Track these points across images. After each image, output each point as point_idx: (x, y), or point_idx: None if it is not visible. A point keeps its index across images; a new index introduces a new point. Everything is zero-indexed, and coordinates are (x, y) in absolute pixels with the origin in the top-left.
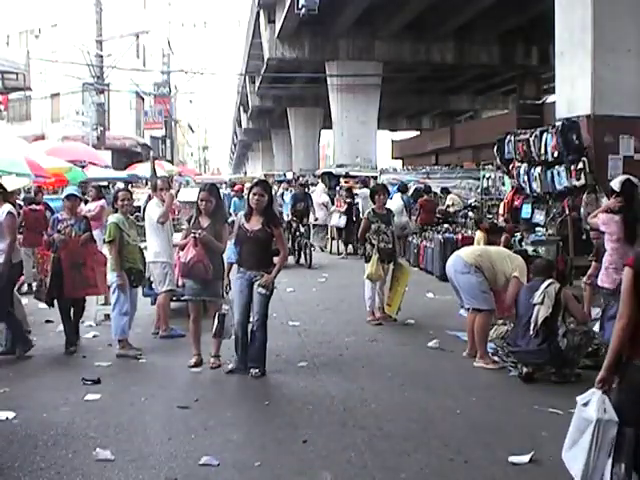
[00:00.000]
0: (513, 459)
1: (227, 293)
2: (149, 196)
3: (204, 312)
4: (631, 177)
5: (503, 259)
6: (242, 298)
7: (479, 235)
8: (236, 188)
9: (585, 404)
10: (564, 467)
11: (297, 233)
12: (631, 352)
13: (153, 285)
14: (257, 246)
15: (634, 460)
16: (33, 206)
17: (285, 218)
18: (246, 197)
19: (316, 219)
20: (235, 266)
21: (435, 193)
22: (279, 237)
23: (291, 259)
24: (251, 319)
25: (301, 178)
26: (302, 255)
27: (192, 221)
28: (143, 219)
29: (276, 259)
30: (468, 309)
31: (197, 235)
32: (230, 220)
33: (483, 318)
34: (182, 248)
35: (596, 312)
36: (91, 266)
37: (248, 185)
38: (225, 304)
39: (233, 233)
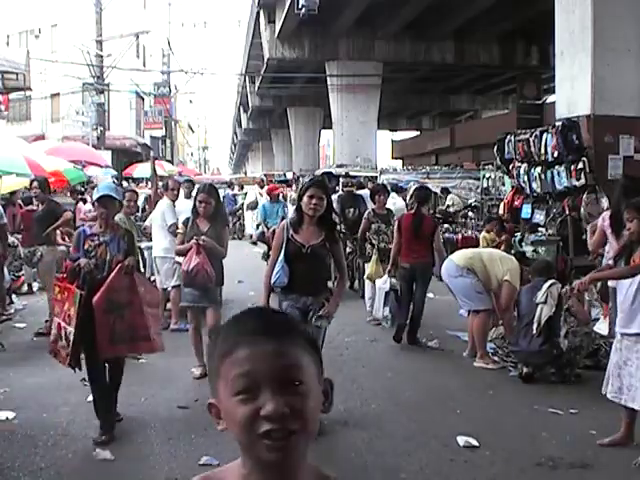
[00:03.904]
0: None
1: None
2: (148, 196)
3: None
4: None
5: (494, 261)
6: None
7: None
8: (269, 188)
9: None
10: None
11: (347, 249)
12: (400, 258)
13: (157, 280)
14: (315, 265)
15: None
16: (30, 207)
17: None
18: (296, 201)
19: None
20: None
21: (435, 193)
22: (339, 254)
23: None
24: None
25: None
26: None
27: (190, 224)
28: (141, 219)
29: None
30: (468, 311)
31: (200, 242)
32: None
33: (481, 318)
34: (182, 254)
35: (596, 312)
36: (139, 307)
37: (253, 186)
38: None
39: (276, 245)
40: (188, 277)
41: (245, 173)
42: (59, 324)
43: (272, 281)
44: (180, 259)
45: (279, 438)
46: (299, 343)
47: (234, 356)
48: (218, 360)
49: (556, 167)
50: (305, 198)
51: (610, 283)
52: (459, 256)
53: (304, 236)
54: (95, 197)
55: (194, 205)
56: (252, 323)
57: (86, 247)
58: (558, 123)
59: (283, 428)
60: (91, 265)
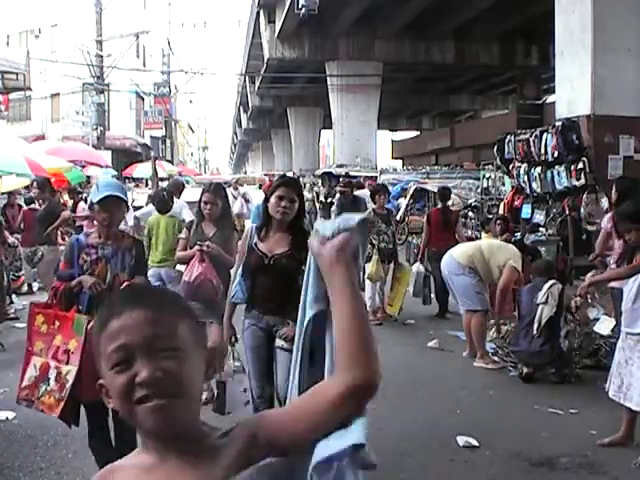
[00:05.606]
0: None
1: (232, 345)
2: (148, 196)
3: None
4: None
5: (493, 251)
6: (260, 360)
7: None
8: (266, 187)
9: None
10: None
11: None
12: (431, 245)
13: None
14: (280, 279)
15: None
16: (32, 206)
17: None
18: (262, 203)
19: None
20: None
21: (435, 192)
22: None
23: None
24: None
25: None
26: None
27: (193, 228)
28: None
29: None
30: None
31: (204, 248)
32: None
33: (479, 318)
34: (184, 261)
35: (595, 312)
36: None
37: (254, 186)
38: (228, 367)
39: (240, 253)
40: (190, 289)
41: (245, 173)
42: (45, 364)
43: (230, 296)
44: (182, 267)
45: (155, 401)
46: (173, 311)
47: (108, 330)
48: (96, 338)
49: (556, 167)
50: (273, 199)
51: (615, 284)
52: (459, 253)
53: (269, 244)
54: (97, 198)
55: (199, 207)
56: (123, 298)
57: (80, 262)
58: (558, 123)
59: (158, 393)
60: (101, 285)
